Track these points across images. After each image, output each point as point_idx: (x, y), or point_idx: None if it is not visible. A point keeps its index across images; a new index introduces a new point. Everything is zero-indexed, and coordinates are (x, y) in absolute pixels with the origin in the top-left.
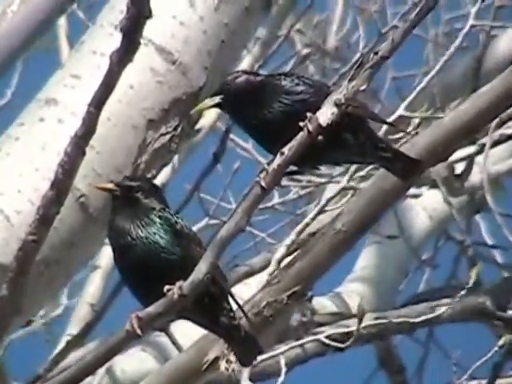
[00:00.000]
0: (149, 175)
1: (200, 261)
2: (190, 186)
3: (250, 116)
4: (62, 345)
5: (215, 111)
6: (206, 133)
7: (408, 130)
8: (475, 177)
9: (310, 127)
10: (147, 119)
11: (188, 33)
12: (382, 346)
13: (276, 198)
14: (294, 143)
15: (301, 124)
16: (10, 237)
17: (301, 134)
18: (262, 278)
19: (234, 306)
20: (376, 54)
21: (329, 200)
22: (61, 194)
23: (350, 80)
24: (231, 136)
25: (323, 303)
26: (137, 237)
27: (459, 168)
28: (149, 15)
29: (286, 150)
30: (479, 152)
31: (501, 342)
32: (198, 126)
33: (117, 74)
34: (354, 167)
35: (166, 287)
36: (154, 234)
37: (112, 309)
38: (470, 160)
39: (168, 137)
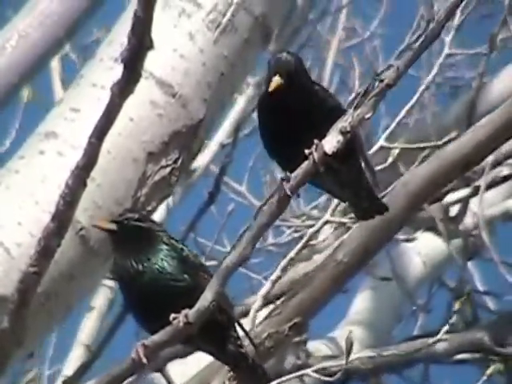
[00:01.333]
0: (149, 208)
1: (206, 289)
2: (185, 227)
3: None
4: None
5: (209, 154)
6: (199, 175)
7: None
8: (469, 220)
9: (316, 156)
10: (147, 152)
11: (188, 65)
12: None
13: (270, 239)
14: (299, 171)
15: (306, 152)
16: (10, 269)
17: (306, 162)
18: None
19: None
20: (381, 81)
21: (312, 234)
22: (62, 225)
23: (356, 108)
24: (225, 179)
25: (318, 347)
26: (144, 265)
27: (453, 211)
28: (150, 46)
29: (291, 177)
30: (473, 194)
31: (489, 371)
32: (192, 167)
33: (118, 105)
34: (336, 201)
35: (172, 315)
36: (162, 260)
37: (107, 350)
38: (464, 202)
39: (168, 170)
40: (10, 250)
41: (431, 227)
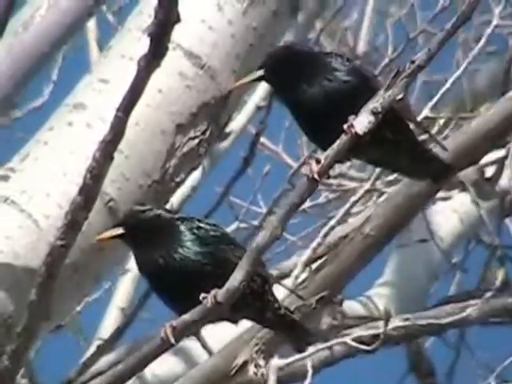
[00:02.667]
0: (177, 179)
1: (236, 269)
2: (221, 190)
3: (291, 89)
4: (92, 349)
5: (245, 115)
6: (235, 136)
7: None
8: (505, 180)
9: (353, 131)
10: (176, 123)
11: (216, 37)
12: (412, 349)
13: (307, 202)
14: (330, 152)
15: (344, 126)
16: (38, 241)
17: (338, 142)
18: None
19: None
20: (412, 62)
21: (354, 203)
22: (89, 199)
23: (387, 89)
24: (261, 139)
25: (353, 307)
26: (166, 258)
27: (489, 172)
28: (177, 20)
29: (328, 151)
30: (509, 156)
31: None
32: (227, 130)
33: (145, 79)
34: (378, 170)
35: (202, 295)
36: (182, 247)
37: (142, 313)
38: (500, 164)
39: (196, 141)
40: (38, 222)
41: (465, 188)
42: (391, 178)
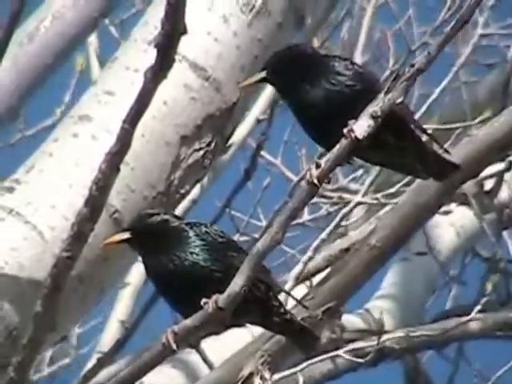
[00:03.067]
0: (182, 191)
1: (237, 274)
2: (221, 203)
3: (294, 91)
4: (92, 362)
5: (245, 128)
6: (235, 149)
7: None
8: (504, 193)
9: (353, 135)
10: (181, 135)
11: (222, 49)
12: (409, 362)
13: (306, 215)
14: (331, 156)
15: (344, 131)
16: (43, 253)
17: (338, 146)
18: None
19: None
20: (412, 66)
21: (344, 215)
22: (95, 210)
23: (387, 92)
24: (260, 152)
25: (352, 320)
26: (176, 263)
27: (488, 185)
28: (183, 31)
29: (328, 155)
30: (508, 169)
31: None
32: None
33: (151, 90)
34: (368, 182)
35: (203, 300)
36: (191, 253)
37: (142, 326)
38: (499, 177)
39: (201, 153)
40: (43, 234)
41: (466, 201)
42: (391, 190)
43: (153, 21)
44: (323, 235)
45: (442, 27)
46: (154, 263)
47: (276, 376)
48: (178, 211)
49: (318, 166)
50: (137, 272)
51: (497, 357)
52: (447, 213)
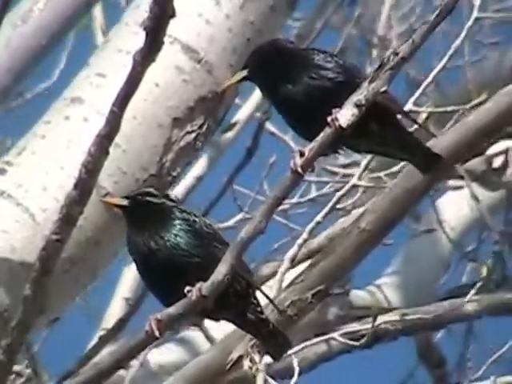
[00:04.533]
0: (174, 173)
1: (220, 262)
2: (225, 180)
3: (275, 88)
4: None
5: (252, 104)
6: (241, 126)
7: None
8: None
9: (337, 124)
10: (172, 118)
11: (214, 31)
12: (422, 340)
13: (313, 192)
14: (314, 144)
15: (328, 119)
16: (34, 235)
17: (322, 134)
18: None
19: (262, 301)
20: (396, 54)
21: (339, 198)
22: (84, 193)
23: (371, 81)
24: (269, 128)
25: (362, 296)
26: (158, 242)
27: (497, 162)
28: (172, 14)
29: (312, 144)
30: None
31: None
32: (233, 120)
33: (140, 73)
34: (363, 165)
35: (187, 288)
36: (175, 235)
37: (146, 303)
38: (507, 154)
39: (193, 135)
40: (34, 216)
41: (477, 178)
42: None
43: (144, 4)
44: (318, 218)
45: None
46: (137, 239)
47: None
48: (183, 188)
49: (301, 154)
50: None
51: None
52: (460, 188)
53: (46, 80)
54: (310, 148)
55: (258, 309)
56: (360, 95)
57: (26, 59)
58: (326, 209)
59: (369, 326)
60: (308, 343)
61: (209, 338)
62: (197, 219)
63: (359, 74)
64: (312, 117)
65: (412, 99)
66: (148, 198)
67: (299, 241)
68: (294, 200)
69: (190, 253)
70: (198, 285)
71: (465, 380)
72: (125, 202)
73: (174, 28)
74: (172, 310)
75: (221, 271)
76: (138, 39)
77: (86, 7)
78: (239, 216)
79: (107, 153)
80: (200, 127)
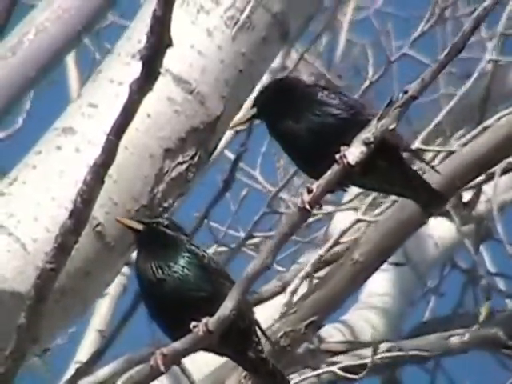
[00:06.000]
0: (165, 204)
1: (227, 298)
2: (199, 214)
3: (280, 127)
4: (71, 372)
5: (223, 139)
6: (213, 161)
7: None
8: (482, 205)
9: (345, 161)
10: (164, 148)
11: (206, 62)
12: (386, 375)
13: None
14: (322, 181)
15: (336, 156)
16: (26, 265)
17: (329, 172)
18: (274, 305)
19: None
20: (405, 92)
21: (343, 232)
22: (79, 222)
23: (380, 119)
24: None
25: (330, 331)
26: (166, 272)
27: (467, 196)
28: (169, 44)
29: (320, 181)
30: (487, 180)
31: None
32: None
33: (137, 102)
34: (368, 200)
35: (193, 324)
36: (183, 268)
37: (121, 336)
38: (477, 188)
39: (185, 166)
40: (26, 246)
41: (444, 213)
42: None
43: (136, 35)
44: (321, 252)
45: (421, 39)
46: (146, 267)
47: None
48: None
49: (309, 191)
50: (115, 282)
51: (473, 370)
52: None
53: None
54: (317, 185)
55: (259, 347)
56: (368, 133)
57: (12, 91)
58: (330, 243)
59: (365, 360)
60: (311, 374)
61: (185, 372)
62: (205, 254)
63: (364, 111)
64: (315, 154)
65: (419, 138)
66: (163, 228)
67: (301, 274)
68: (266, 233)
69: (197, 286)
70: (205, 320)
71: None
72: (140, 227)
73: (166, 59)
74: (178, 344)
75: (227, 306)
76: (131, 70)
77: (75, 40)
78: (212, 249)
79: (103, 182)
80: (192, 158)
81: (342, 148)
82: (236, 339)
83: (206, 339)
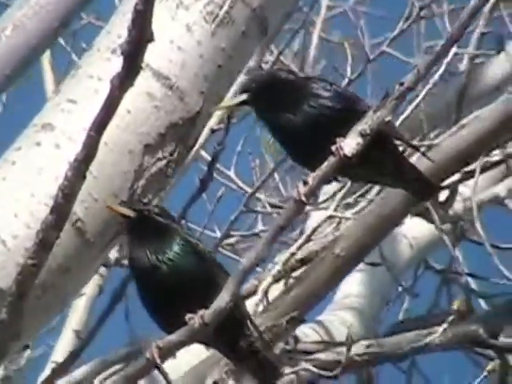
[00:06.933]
0: (145, 200)
1: (222, 290)
2: (176, 214)
3: (275, 116)
4: (46, 372)
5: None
6: (190, 160)
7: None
8: (458, 205)
9: (342, 153)
10: (144, 144)
11: (185, 57)
12: (361, 375)
13: (260, 225)
14: (318, 173)
15: (332, 148)
16: (6, 261)
17: (326, 163)
18: (251, 305)
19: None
20: (401, 84)
21: (315, 229)
22: (61, 218)
23: (375, 111)
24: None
25: (305, 331)
26: (161, 259)
27: (443, 195)
28: (150, 39)
29: (316, 172)
30: (463, 180)
31: (489, 367)
32: None
33: (118, 98)
34: (339, 196)
35: (188, 316)
36: (178, 254)
37: (98, 336)
38: (453, 188)
39: (164, 162)
40: (6, 242)
41: (419, 213)
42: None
43: (115, 30)
44: (293, 249)
45: (400, 36)
46: (140, 255)
47: None
48: None
49: (305, 183)
50: (92, 282)
51: (449, 368)
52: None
53: None
54: (313, 176)
55: (251, 339)
56: (365, 124)
57: None
58: (301, 240)
59: (342, 356)
60: (287, 372)
61: (163, 373)
62: (199, 243)
63: (359, 103)
64: (310, 145)
65: None
66: (155, 216)
67: (274, 272)
68: (242, 233)
69: (192, 273)
70: (201, 312)
71: None
72: (131, 214)
73: (145, 54)
74: (173, 337)
75: (224, 298)
76: (111, 65)
77: (52, 37)
78: None
79: (84, 177)
80: (171, 154)
81: (338, 139)
82: (230, 331)
83: (201, 331)
